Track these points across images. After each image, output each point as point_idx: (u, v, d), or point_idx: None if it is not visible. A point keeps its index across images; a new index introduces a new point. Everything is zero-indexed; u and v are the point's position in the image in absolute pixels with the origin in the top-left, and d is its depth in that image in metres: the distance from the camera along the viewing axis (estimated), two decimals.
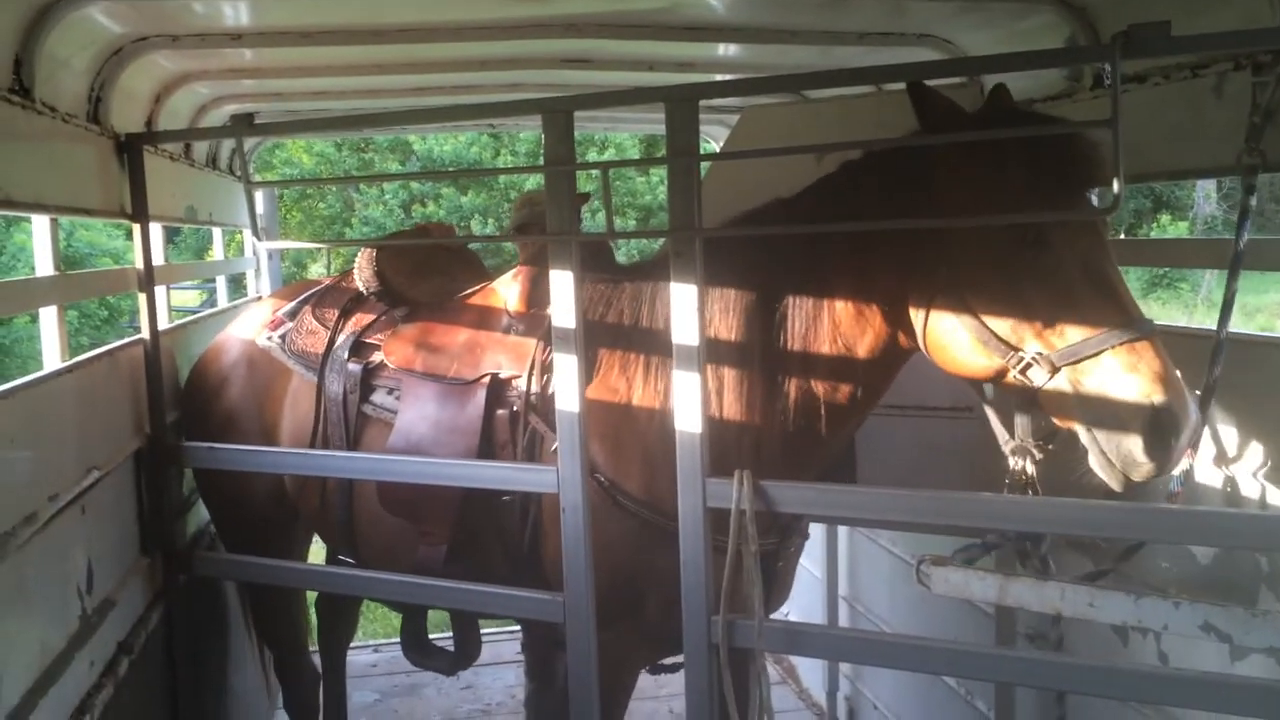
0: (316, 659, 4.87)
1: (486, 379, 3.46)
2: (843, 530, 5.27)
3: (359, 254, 3.92)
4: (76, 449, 3.06)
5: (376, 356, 3.72)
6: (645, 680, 3.69)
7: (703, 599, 2.86)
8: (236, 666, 4.80)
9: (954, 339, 2.70)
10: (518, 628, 5.77)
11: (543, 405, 3.35)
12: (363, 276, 3.85)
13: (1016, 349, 2.59)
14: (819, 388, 3.00)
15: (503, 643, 6.52)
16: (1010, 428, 2.78)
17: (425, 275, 3.97)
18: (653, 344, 3.16)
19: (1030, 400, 2.66)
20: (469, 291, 3.86)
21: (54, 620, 2.82)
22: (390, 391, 3.66)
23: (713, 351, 2.95)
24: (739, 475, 2.77)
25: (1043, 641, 3.57)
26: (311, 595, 5.05)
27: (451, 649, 3.98)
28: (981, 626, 3.88)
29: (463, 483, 3.30)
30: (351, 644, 5.19)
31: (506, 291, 3.66)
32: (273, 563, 3.84)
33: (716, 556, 2.88)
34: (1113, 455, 2.50)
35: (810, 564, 5.64)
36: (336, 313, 3.95)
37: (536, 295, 3.56)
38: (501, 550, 3.45)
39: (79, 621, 2.96)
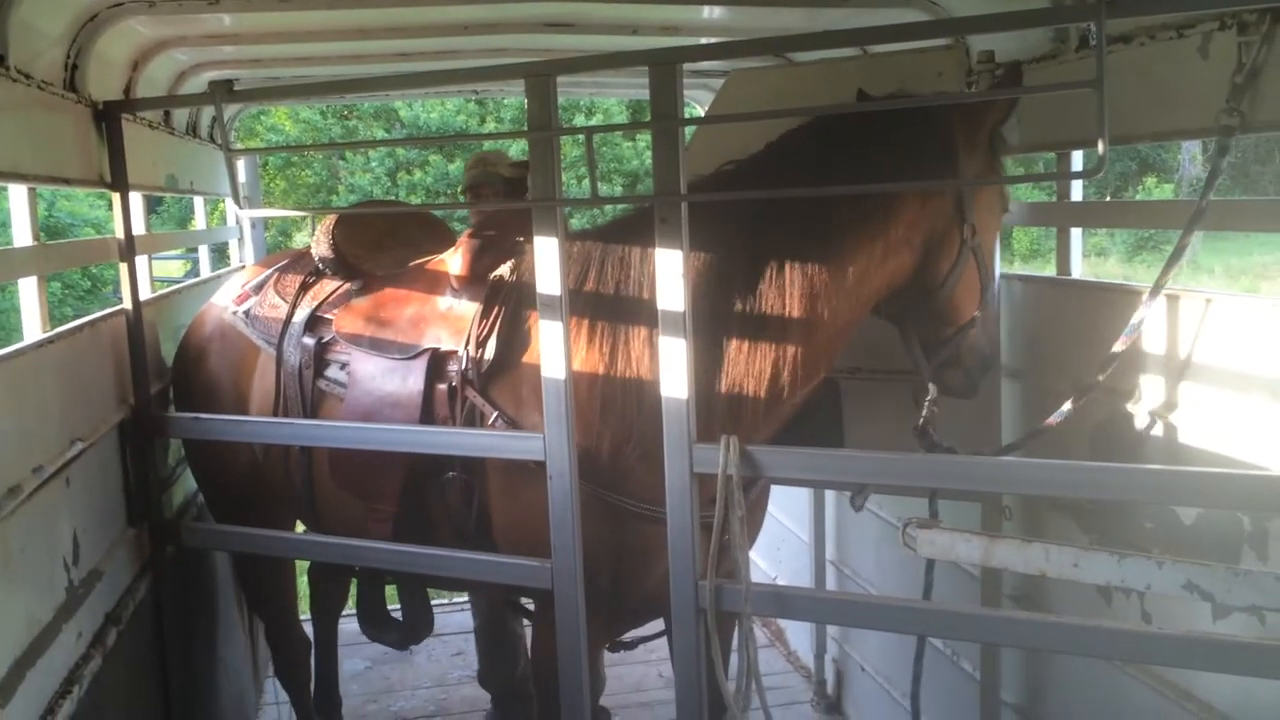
0: (308, 627, 4.89)
1: (427, 353, 3.45)
2: (829, 494, 5.29)
3: (318, 225, 3.90)
4: (60, 420, 3.04)
5: (330, 331, 3.71)
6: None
7: (690, 563, 2.87)
8: (226, 636, 4.81)
9: (973, 283, 3.11)
10: None
11: (479, 379, 3.33)
12: (319, 249, 3.83)
13: (991, 280, 3.15)
14: (775, 351, 2.98)
15: None
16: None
17: (386, 247, 3.95)
18: (598, 308, 3.12)
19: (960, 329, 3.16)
20: (420, 262, 3.83)
21: (40, 592, 2.81)
22: (343, 366, 3.64)
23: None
24: (725, 440, 2.77)
25: (1027, 601, 3.61)
26: (303, 564, 5.06)
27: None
28: (967, 588, 3.91)
29: (448, 450, 3.29)
30: (343, 612, 5.20)
31: (451, 261, 3.62)
32: (259, 532, 3.83)
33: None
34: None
35: (797, 528, 5.67)
36: (296, 286, 3.93)
37: (480, 264, 3.52)
38: (451, 527, 3.44)
39: (66, 593, 2.95)
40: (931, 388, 3.15)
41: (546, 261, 2.88)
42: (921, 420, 3.13)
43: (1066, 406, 2.99)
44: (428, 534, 3.46)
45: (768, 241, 2.98)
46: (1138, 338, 2.88)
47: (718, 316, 2.98)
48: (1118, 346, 2.86)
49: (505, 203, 4.43)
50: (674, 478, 2.86)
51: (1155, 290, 2.82)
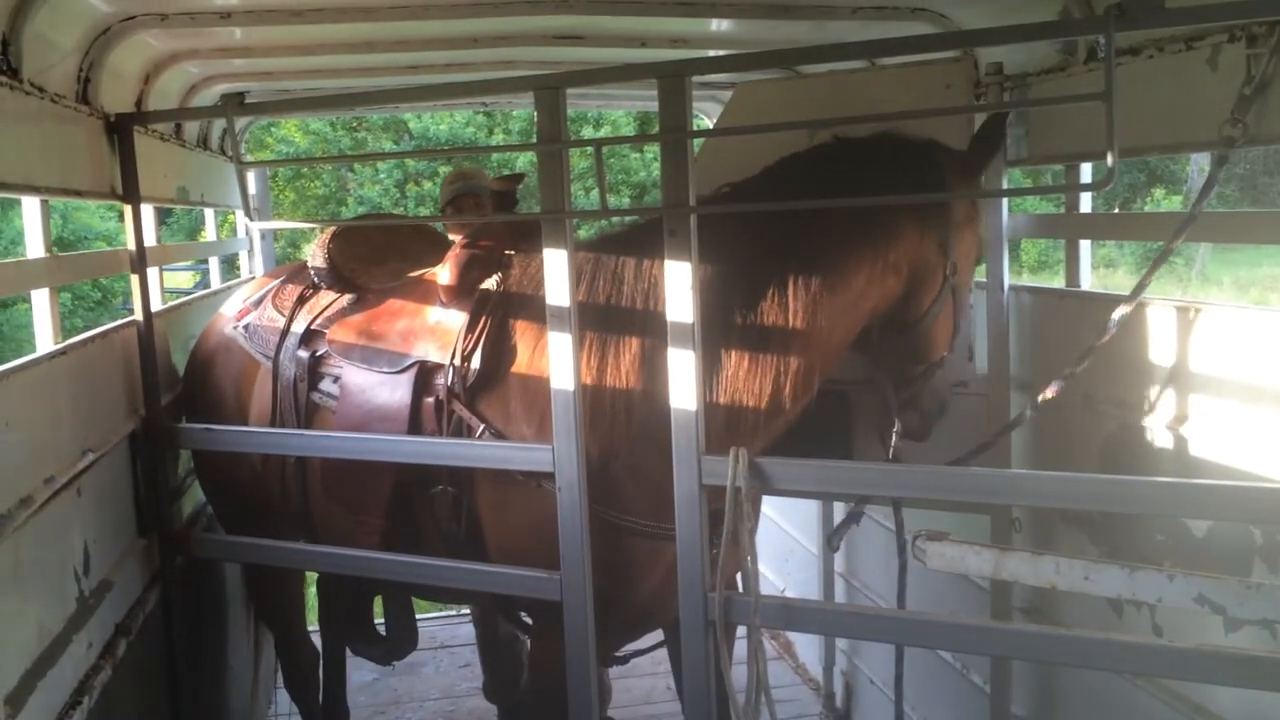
0: (316, 638, 4.89)
1: (415, 366, 3.45)
2: (838, 506, 5.28)
3: (315, 239, 3.93)
4: (71, 431, 3.06)
5: (324, 344, 3.72)
6: (642, 657, 3.70)
7: (698, 575, 2.87)
8: (235, 647, 4.81)
9: (948, 321, 3.20)
10: None
11: (465, 393, 3.33)
12: (314, 263, 3.85)
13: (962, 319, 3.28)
14: (775, 366, 2.99)
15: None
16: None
17: (382, 260, 3.96)
18: (588, 321, 3.09)
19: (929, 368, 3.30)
20: (413, 275, 3.84)
21: (51, 602, 2.82)
22: (335, 380, 3.66)
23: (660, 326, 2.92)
24: (734, 452, 2.76)
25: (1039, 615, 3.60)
26: (311, 575, 5.06)
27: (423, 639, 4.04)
28: (977, 601, 3.89)
29: (456, 462, 3.30)
30: None
31: (440, 273, 3.62)
32: (268, 543, 3.84)
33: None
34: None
35: (806, 540, 5.66)
36: (294, 300, 3.95)
37: (468, 276, 3.51)
38: (440, 541, 3.44)
39: (76, 603, 2.96)
40: (897, 422, 3.30)
41: (555, 274, 2.88)
42: (890, 454, 3.31)
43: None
44: (415, 547, 3.46)
45: (770, 255, 2.99)
46: (1143, 347, 2.89)
47: (714, 330, 2.98)
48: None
49: (510, 215, 4.43)
50: (683, 489, 2.85)
51: (1135, 293, 2.93)
